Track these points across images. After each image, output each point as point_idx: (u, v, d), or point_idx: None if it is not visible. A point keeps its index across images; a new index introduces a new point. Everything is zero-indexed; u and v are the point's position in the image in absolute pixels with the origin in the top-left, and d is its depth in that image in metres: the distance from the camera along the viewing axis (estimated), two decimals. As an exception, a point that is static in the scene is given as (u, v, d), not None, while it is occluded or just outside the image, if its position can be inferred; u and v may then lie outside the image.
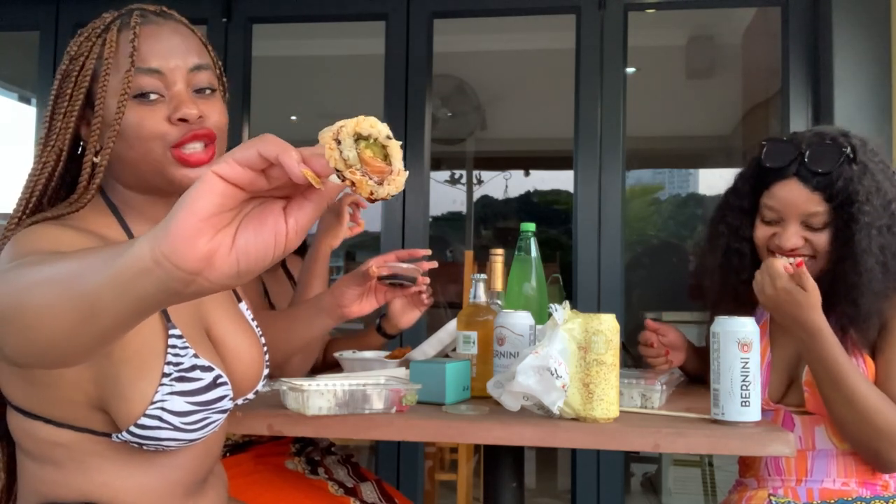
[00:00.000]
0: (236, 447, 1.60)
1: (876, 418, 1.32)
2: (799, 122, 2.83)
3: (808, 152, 1.42)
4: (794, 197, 1.43)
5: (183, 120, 0.97)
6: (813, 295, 1.32)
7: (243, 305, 1.19)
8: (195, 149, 0.99)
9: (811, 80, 2.84)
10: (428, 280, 1.57)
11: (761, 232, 1.49)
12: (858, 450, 1.39)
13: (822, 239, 1.43)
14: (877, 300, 1.39)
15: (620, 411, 1.22)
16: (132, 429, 0.94)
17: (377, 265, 1.39)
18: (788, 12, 2.86)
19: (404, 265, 1.40)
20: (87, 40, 1.00)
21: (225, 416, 1.03)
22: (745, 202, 1.54)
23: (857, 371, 1.34)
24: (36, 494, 1.01)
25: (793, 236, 1.44)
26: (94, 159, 0.99)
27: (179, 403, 0.95)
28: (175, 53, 1.00)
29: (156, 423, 0.93)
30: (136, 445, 0.97)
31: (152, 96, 0.98)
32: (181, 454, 1.03)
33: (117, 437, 0.96)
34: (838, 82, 2.70)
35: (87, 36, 1.00)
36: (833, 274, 1.42)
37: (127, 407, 0.93)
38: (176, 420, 0.95)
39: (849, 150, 1.41)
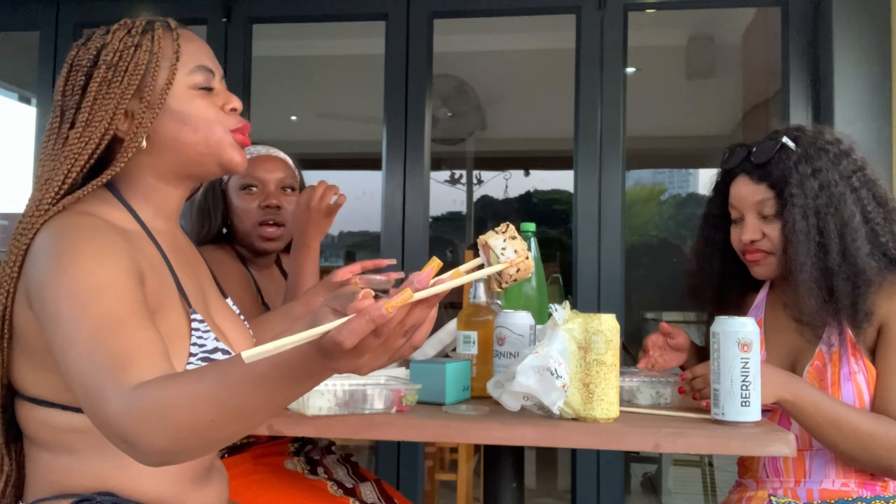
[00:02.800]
0: (235, 448, 1.60)
1: (874, 442, 1.33)
2: (799, 122, 2.82)
3: (753, 149, 1.51)
4: (744, 192, 1.51)
5: (234, 110, 1.13)
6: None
7: (230, 301, 1.25)
8: (244, 133, 1.16)
9: (811, 80, 2.83)
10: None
11: (733, 234, 1.56)
12: (876, 472, 1.40)
13: (775, 230, 1.47)
14: (821, 280, 1.41)
15: (621, 411, 1.22)
16: None
17: (352, 273, 1.40)
18: (788, 12, 2.86)
19: (377, 277, 1.41)
20: (130, 37, 1.08)
21: None
22: (717, 210, 1.61)
23: (842, 405, 1.36)
24: (49, 485, 1.04)
25: (749, 229, 1.50)
26: (130, 140, 1.07)
27: None
28: (213, 58, 1.15)
29: None
30: None
31: (208, 90, 1.11)
32: None
33: None
34: (838, 82, 2.70)
35: (130, 33, 1.09)
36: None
37: None
38: None
39: (786, 139, 1.47)
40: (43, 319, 0.94)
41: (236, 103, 1.13)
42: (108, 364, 0.85)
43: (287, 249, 1.87)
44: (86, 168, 1.06)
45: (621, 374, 1.44)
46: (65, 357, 0.88)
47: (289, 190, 1.79)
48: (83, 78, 1.07)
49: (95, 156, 1.06)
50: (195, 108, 1.09)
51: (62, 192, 1.04)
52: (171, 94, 1.08)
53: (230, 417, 0.77)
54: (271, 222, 1.74)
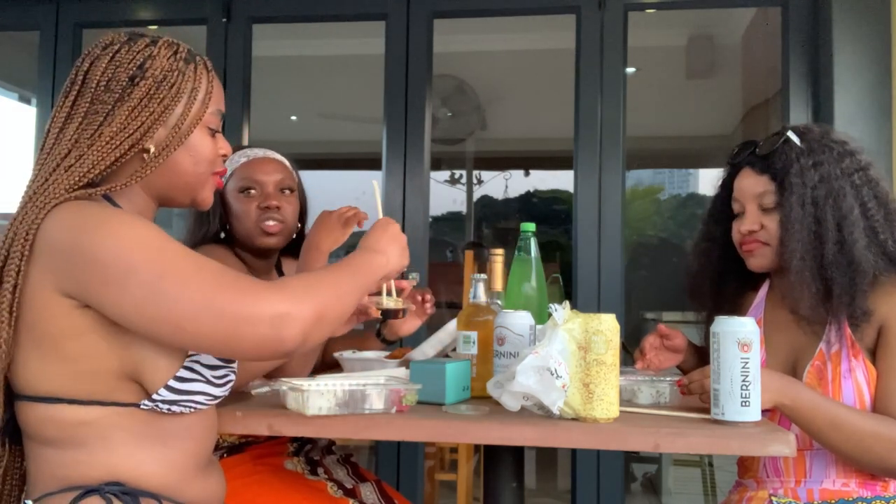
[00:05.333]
0: (234, 448, 1.60)
1: (876, 443, 1.33)
2: (799, 122, 2.82)
3: (759, 143, 1.53)
4: (746, 183, 1.53)
5: (223, 155, 1.22)
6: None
7: None
8: (221, 176, 1.27)
9: (811, 80, 2.84)
10: (430, 295, 1.71)
11: (734, 227, 1.57)
12: (878, 473, 1.40)
13: (774, 221, 1.48)
14: (815, 270, 1.41)
15: (621, 411, 1.22)
16: (171, 383, 1.05)
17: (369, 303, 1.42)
18: (788, 12, 2.86)
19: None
20: (176, 60, 1.14)
21: (234, 378, 1.14)
22: (720, 206, 1.62)
23: (842, 406, 1.36)
24: (55, 479, 1.05)
25: (749, 218, 1.52)
26: (145, 156, 1.12)
27: (209, 357, 1.09)
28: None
29: (191, 374, 1.07)
30: (165, 409, 1.06)
31: (215, 132, 1.20)
32: (194, 425, 1.12)
33: (145, 403, 1.05)
34: (838, 82, 2.70)
35: (176, 55, 1.14)
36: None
37: (165, 361, 1.05)
38: (207, 373, 1.08)
39: (791, 133, 1.49)
40: (98, 284, 0.98)
41: (228, 150, 1.22)
42: (228, 273, 1.01)
43: (288, 252, 1.87)
44: (106, 171, 1.09)
45: (620, 373, 1.44)
46: (158, 294, 0.97)
47: (287, 191, 1.78)
48: (126, 79, 1.10)
49: (119, 163, 1.09)
50: (204, 147, 1.17)
51: (81, 184, 1.06)
52: (185, 125, 1.14)
53: (351, 288, 1.12)
54: (273, 222, 1.74)
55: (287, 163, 1.84)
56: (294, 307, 0.99)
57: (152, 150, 1.11)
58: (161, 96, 1.11)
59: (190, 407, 1.08)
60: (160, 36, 1.17)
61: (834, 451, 1.37)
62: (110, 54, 1.12)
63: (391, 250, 1.25)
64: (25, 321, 1.03)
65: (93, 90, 1.10)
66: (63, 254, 1.00)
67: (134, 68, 1.11)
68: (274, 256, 1.86)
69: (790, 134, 1.49)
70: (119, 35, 1.15)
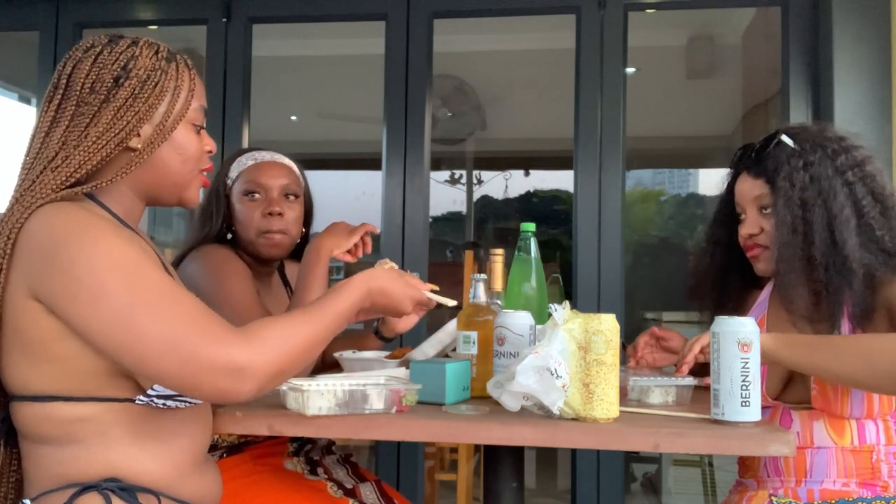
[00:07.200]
0: (233, 448, 1.59)
1: (883, 357, 1.28)
2: (799, 122, 2.82)
3: (756, 146, 1.54)
4: (744, 187, 1.55)
5: (209, 152, 1.24)
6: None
7: None
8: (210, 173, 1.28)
9: (811, 80, 2.84)
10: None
11: (739, 231, 1.57)
12: (888, 390, 1.34)
13: (771, 223, 1.49)
14: (802, 271, 1.42)
15: (625, 411, 1.22)
16: None
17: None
18: (788, 12, 2.86)
19: None
20: (158, 59, 1.16)
21: None
22: (724, 209, 1.63)
23: (835, 337, 1.38)
24: (53, 477, 1.06)
25: (748, 223, 1.53)
26: (132, 155, 1.13)
27: None
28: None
29: None
30: (160, 404, 1.06)
31: (200, 128, 1.22)
32: (189, 421, 1.13)
33: (140, 398, 1.06)
34: (838, 82, 2.70)
35: (157, 55, 1.16)
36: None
37: None
38: None
39: (783, 136, 1.50)
40: (68, 297, 0.98)
41: (213, 147, 1.24)
42: (200, 313, 0.99)
43: (292, 256, 1.87)
44: (92, 170, 1.10)
45: (631, 373, 1.44)
46: (127, 322, 0.96)
47: (292, 197, 1.77)
48: (111, 81, 1.11)
49: (104, 162, 1.10)
50: (190, 144, 1.19)
51: (67, 184, 1.07)
52: (169, 122, 1.16)
53: (320, 340, 1.10)
54: (275, 230, 1.73)
55: (295, 167, 1.83)
56: (256, 360, 0.98)
57: (139, 147, 1.12)
58: (146, 95, 1.12)
59: (185, 401, 1.09)
60: (140, 37, 1.19)
61: (840, 378, 1.34)
62: (93, 57, 1.13)
63: (374, 311, 1.31)
64: (10, 324, 1.03)
65: (77, 93, 1.11)
66: (40, 257, 1.00)
67: (118, 69, 1.12)
68: (277, 261, 1.86)
69: (783, 136, 1.50)
70: (99, 38, 1.17)
